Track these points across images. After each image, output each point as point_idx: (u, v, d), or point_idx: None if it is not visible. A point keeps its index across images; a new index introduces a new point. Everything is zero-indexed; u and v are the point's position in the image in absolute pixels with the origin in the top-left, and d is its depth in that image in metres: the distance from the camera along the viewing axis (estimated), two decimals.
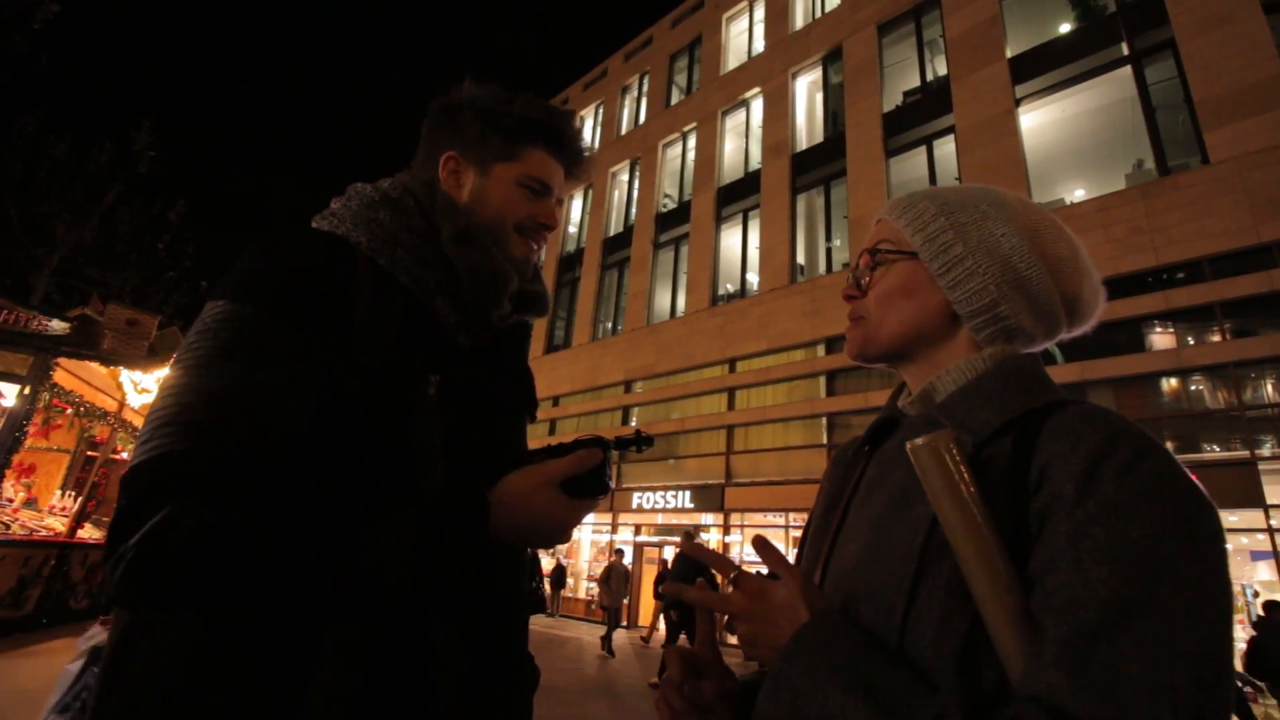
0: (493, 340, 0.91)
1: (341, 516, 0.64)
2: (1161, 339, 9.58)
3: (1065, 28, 12.26)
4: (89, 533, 8.10)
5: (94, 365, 7.40)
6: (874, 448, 0.79)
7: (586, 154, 1.01)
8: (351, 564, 0.62)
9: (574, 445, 0.80)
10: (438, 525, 0.68)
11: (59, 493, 9.11)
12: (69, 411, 7.39)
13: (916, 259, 0.75)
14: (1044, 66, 11.89)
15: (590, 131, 24.24)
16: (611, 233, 21.01)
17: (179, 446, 0.61)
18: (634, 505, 16.04)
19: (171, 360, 0.70)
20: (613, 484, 0.82)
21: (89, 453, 9.70)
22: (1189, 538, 0.51)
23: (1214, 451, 8.90)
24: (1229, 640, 0.49)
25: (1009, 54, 12.41)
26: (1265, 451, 8.41)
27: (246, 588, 0.60)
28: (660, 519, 15.93)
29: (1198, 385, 9.28)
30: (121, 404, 8.60)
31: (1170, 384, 9.50)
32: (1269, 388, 8.74)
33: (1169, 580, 0.49)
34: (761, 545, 0.69)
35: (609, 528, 16.85)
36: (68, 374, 7.23)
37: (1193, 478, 0.55)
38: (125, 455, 10.01)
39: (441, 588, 0.70)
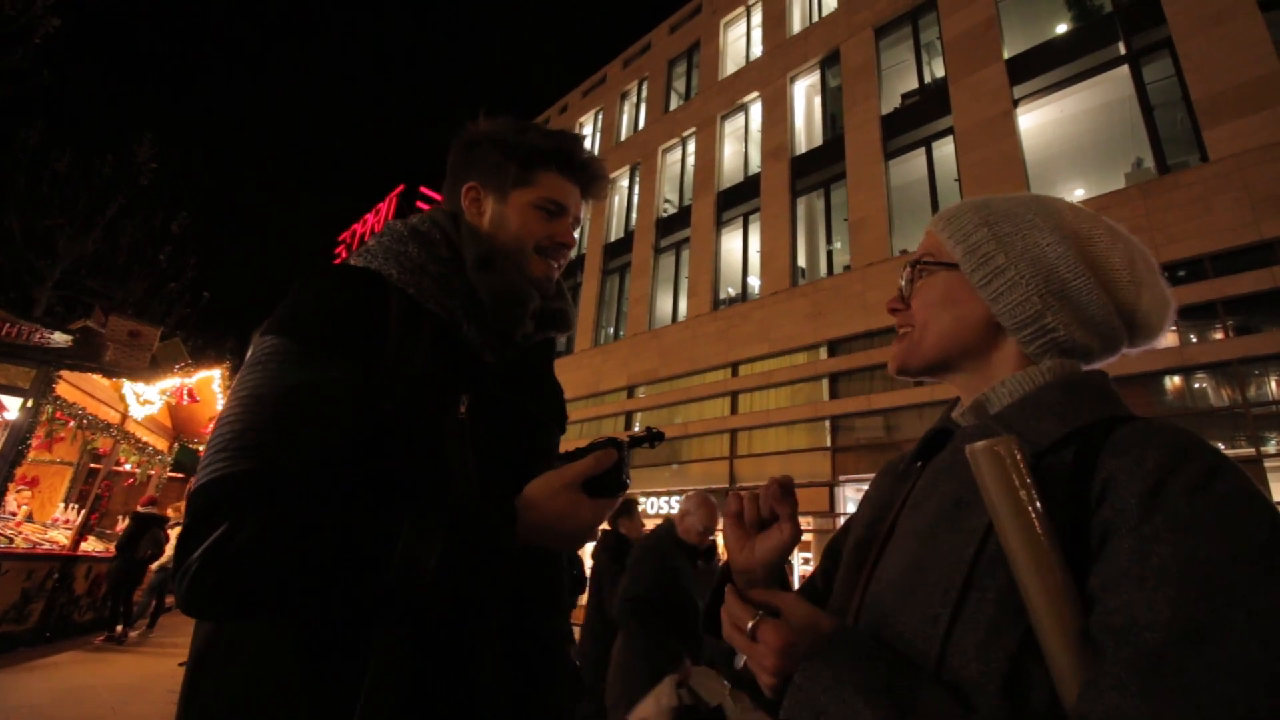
0: (519, 358, 0.96)
1: (375, 527, 0.69)
2: (1165, 337, 9.54)
3: (1062, 28, 12.27)
4: (92, 545, 8.09)
5: (96, 377, 7.41)
6: (925, 462, 0.76)
7: (600, 174, 1.06)
8: (384, 571, 0.67)
9: (589, 448, 0.83)
10: (466, 532, 0.72)
11: (62, 505, 9.12)
12: (72, 424, 7.38)
13: (958, 270, 0.73)
14: (1041, 67, 11.90)
15: (590, 137, 24.29)
16: (612, 238, 21.04)
17: (233, 469, 0.68)
18: (639, 511, 16.00)
19: (227, 391, 0.78)
20: (629, 481, 0.85)
21: (92, 465, 9.71)
22: (1267, 561, 0.47)
23: (1219, 449, 8.86)
24: None
25: (1006, 55, 12.42)
26: (1271, 449, 8.37)
27: (292, 594, 0.66)
28: None
29: (1201, 383, 9.25)
30: (124, 416, 8.60)
31: (1174, 382, 9.47)
32: (1273, 384, 8.70)
33: (1243, 605, 0.45)
34: (785, 490, 0.69)
35: None
36: (70, 386, 7.23)
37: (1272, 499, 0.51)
38: (128, 467, 10.01)
39: (474, 592, 0.74)
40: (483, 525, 0.74)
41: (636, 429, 15.69)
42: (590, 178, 1.04)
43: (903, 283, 0.80)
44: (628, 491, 0.87)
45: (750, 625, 0.62)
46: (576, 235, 1.05)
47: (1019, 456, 0.55)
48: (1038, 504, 0.53)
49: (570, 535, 0.80)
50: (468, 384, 0.85)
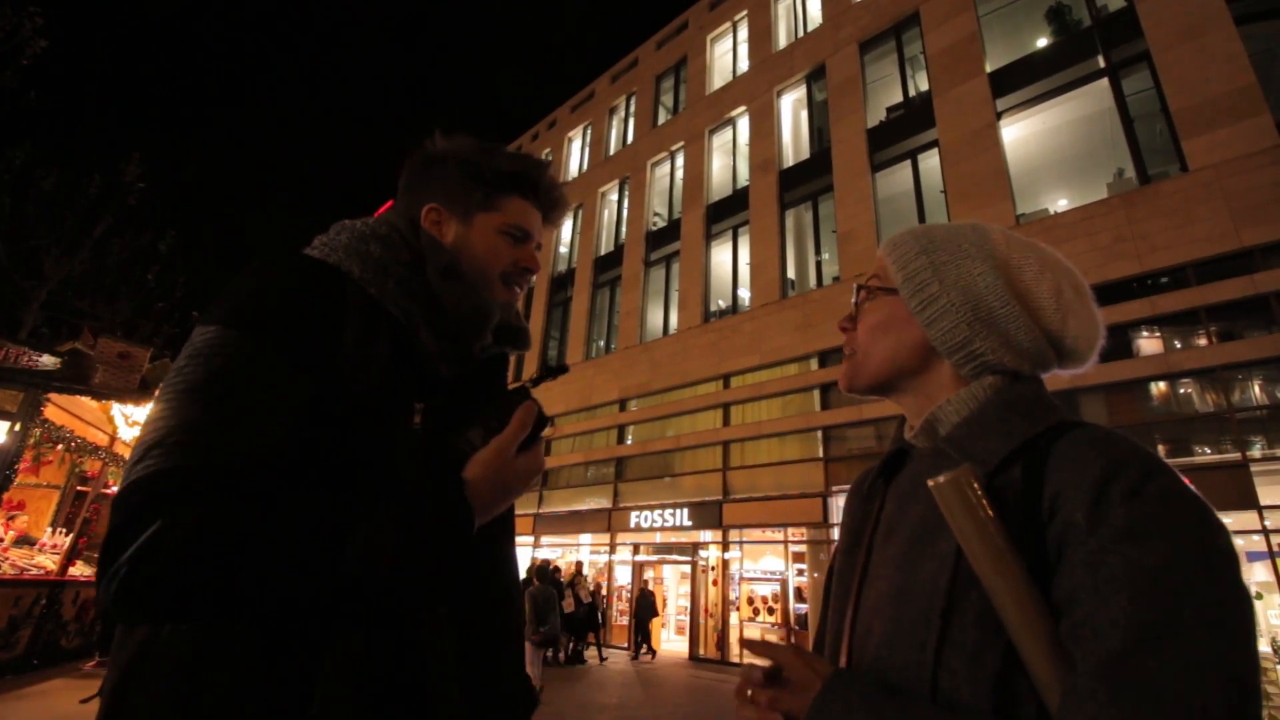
0: (472, 371, 0.94)
1: (327, 516, 0.66)
2: (1149, 344, 9.68)
3: (1042, 42, 12.51)
4: (80, 570, 7.98)
5: (85, 400, 7.34)
6: (888, 480, 0.81)
7: (562, 200, 1.05)
8: (341, 562, 0.63)
9: (503, 405, 0.83)
10: (422, 515, 0.70)
11: (49, 530, 8.98)
12: (60, 447, 7.30)
13: (898, 296, 0.78)
14: (1023, 80, 12.11)
15: (579, 152, 24.43)
16: (602, 252, 21.11)
17: (168, 465, 0.62)
18: (632, 525, 15.95)
19: (162, 383, 0.71)
20: (549, 417, 0.86)
21: (79, 488, 9.58)
22: (1203, 559, 0.52)
23: (1206, 454, 8.96)
24: (1253, 655, 0.49)
25: (989, 69, 12.64)
26: (1256, 453, 8.48)
27: (239, 592, 0.61)
28: (659, 538, 15.85)
29: (1186, 389, 9.37)
30: (113, 438, 8.51)
31: (1159, 388, 9.58)
32: (1256, 389, 8.83)
33: (1188, 603, 0.50)
34: (750, 645, 0.69)
35: (607, 548, 16.73)
36: (58, 409, 7.17)
37: (1200, 494, 0.56)
38: (115, 489, 9.89)
39: (430, 584, 0.72)
40: (437, 506, 0.72)
41: (629, 441, 15.55)
42: (552, 203, 1.03)
43: (852, 304, 0.85)
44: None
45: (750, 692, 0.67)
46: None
47: (977, 486, 0.59)
48: (1001, 529, 0.58)
49: (518, 491, 0.82)
50: (422, 393, 0.82)
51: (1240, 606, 0.51)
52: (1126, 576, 0.51)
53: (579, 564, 14.11)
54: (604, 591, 13.96)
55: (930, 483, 0.62)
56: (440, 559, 0.71)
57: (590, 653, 12.91)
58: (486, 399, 0.95)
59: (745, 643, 0.71)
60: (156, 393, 0.72)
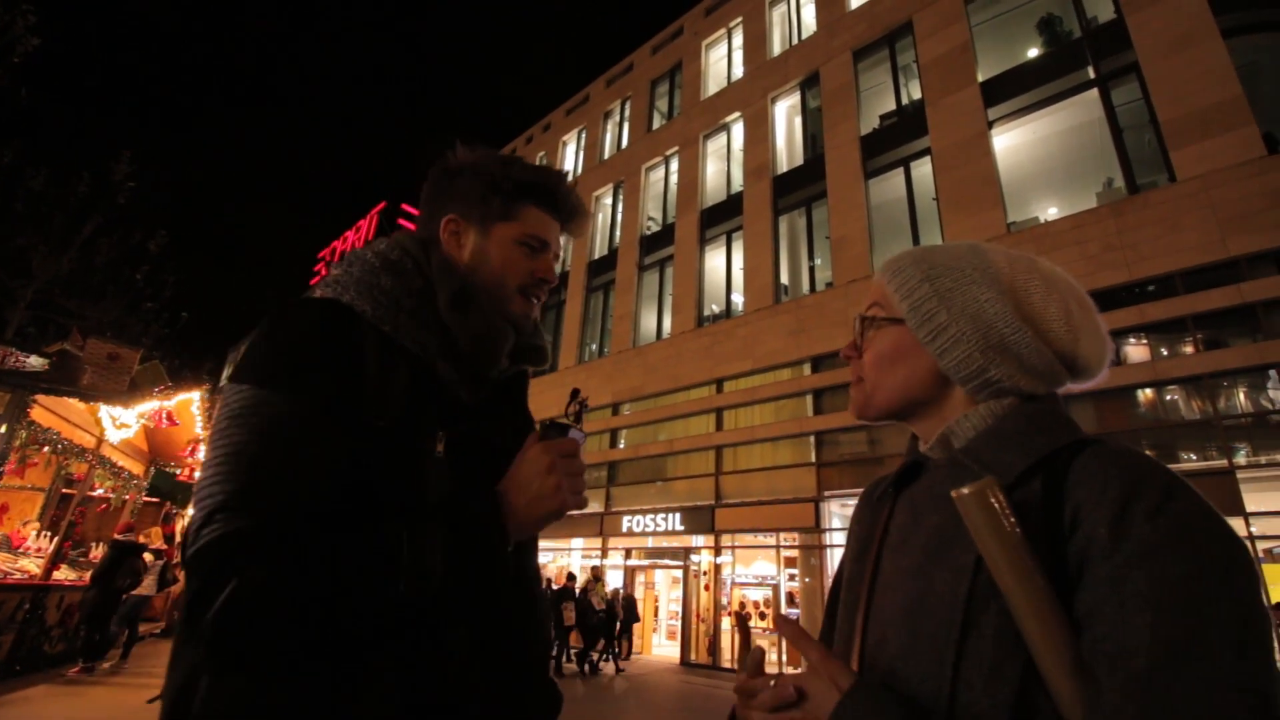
0: (493, 393, 0.96)
1: (378, 548, 0.71)
2: (1137, 352, 9.77)
3: (1033, 53, 12.64)
4: (65, 574, 7.88)
5: (73, 401, 7.27)
6: (899, 490, 0.80)
7: (581, 210, 1.05)
8: (395, 586, 0.70)
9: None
10: (463, 529, 0.75)
11: (34, 533, 8.88)
12: (46, 449, 7.22)
13: (905, 325, 0.77)
14: (1015, 90, 12.23)
15: (573, 155, 24.45)
16: (596, 256, 21.12)
17: (232, 528, 0.67)
18: (624, 529, 15.93)
19: (207, 445, 0.77)
20: (583, 433, 0.87)
21: (65, 490, 9.48)
22: (1226, 577, 0.52)
23: (1193, 461, 9.04)
24: (1275, 672, 0.50)
25: (980, 78, 12.75)
26: (1242, 460, 8.57)
27: (315, 631, 0.67)
28: (650, 542, 15.82)
29: (1173, 396, 9.46)
30: (100, 440, 8.42)
31: (1147, 395, 9.67)
32: (1242, 397, 8.93)
33: (1214, 622, 0.50)
34: (786, 626, 0.69)
35: (599, 552, 16.70)
36: (45, 410, 7.09)
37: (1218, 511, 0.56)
38: (100, 492, 9.80)
39: (470, 600, 0.77)
40: (475, 518, 0.77)
41: (621, 445, 15.50)
42: (571, 213, 1.03)
43: (855, 332, 0.84)
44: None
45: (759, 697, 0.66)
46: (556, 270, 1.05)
47: (1003, 499, 0.59)
48: (1025, 542, 0.57)
49: (541, 496, 0.80)
50: (444, 422, 0.84)
51: (1263, 624, 0.51)
52: (1151, 594, 0.51)
53: (594, 570, 13.88)
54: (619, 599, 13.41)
55: (954, 493, 0.61)
56: (483, 575, 0.76)
57: (605, 662, 12.63)
58: (507, 418, 0.98)
59: (780, 621, 0.71)
60: (204, 454, 0.78)
